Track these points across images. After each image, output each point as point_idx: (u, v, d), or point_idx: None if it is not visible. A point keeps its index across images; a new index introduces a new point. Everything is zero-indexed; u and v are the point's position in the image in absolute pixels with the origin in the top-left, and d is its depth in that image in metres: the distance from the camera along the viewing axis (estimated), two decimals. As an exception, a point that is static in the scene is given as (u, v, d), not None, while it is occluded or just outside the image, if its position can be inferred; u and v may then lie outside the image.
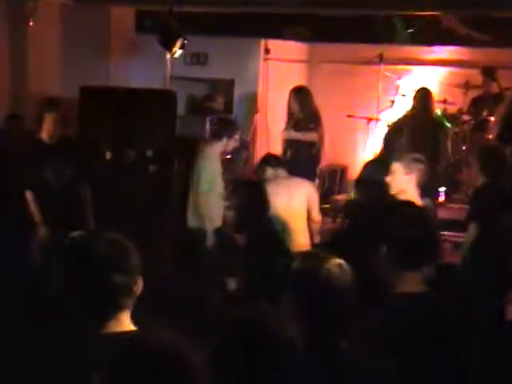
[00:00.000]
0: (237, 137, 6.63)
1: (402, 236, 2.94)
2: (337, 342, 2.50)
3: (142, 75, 9.01)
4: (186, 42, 8.12)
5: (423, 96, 7.57)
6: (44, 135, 6.32)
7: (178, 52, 8.17)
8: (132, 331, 2.31)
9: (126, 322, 2.34)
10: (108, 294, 2.28)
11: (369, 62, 9.12)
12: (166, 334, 2.18)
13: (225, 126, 6.70)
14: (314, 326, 2.49)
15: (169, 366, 2.16)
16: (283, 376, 2.12)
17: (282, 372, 2.11)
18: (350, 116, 9.27)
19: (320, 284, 2.50)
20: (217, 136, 6.61)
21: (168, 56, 8.17)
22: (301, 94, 7.73)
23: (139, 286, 2.37)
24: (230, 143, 6.57)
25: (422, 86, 7.86)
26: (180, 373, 2.17)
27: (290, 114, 7.73)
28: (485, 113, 8.59)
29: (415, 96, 7.67)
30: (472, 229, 5.74)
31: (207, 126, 8.46)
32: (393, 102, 9.01)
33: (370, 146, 9.19)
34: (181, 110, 9.01)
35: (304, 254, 2.72)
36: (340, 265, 2.56)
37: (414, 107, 7.62)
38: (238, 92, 9.49)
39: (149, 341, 2.23)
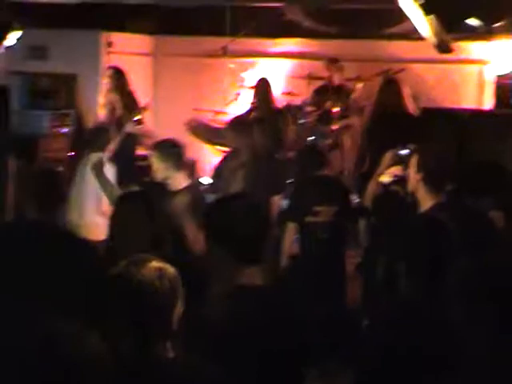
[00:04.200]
0: None
1: (231, 232, 2.82)
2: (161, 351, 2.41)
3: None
4: (20, 34, 7.76)
5: (262, 87, 7.59)
6: None
7: (11, 43, 7.80)
8: None
9: None
10: None
11: (214, 55, 9.06)
12: None
13: None
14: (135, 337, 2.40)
15: None
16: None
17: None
18: (196, 110, 9.16)
19: (130, 291, 2.42)
20: None
21: (1, 49, 7.79)
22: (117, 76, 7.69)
23: None
24: None
25: (260, 78, 7.88)
26: None
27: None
28: (328, 104, 8.69)
29: (255, 88, 7.68)
30: (288, 227, 5.78)
31: (46, 122, 8.14)
32: (238, 94, 8.97)
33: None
34: (20, 105, 8.64)
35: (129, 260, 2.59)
36: (159, 268, 2.47)
37: (254, 98, 7.63)
38: (80, 86, 9.18)
39: None
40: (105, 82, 7.89)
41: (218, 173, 6.22)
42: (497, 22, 5.17)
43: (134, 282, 2.45)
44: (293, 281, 5.62)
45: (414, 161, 4.08)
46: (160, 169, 5.07)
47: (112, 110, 7.64)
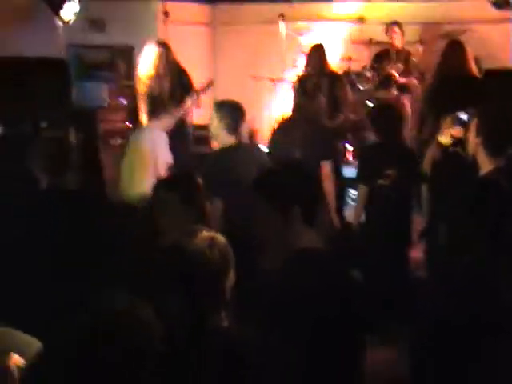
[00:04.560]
0: None
1: (291, 195, 2.81)
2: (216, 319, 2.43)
3: (36, 43, 8.61)
4: (78, 5, 7.80)
5: (315, 52, 7.46)
6: None
7: (69, 17, 7.83)
8: None
9: None
10: None
11: (271, 22, 8.95)
12: None
13: None
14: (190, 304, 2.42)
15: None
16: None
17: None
18: (254, 77, 9.10)
19: (183, 261, 2.46)
20: None
21: (59, 22, 7.83)
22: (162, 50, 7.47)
23: None
24: None
25: (315, 43, 7.75)
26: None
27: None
28: (389, 68, 8.52)
29: (309, 53, 7.56)
30: (361, 190, 5.70)
31: (105, 94, 8.17)
32: (296, 60, 8.85)
33: (277, 106, 9.05)
34: (78, 77, 8.69)
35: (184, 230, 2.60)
36: (210, 237, 2.49)
37: (308, 64, 7.51)
38: (138, 58, 9.17)
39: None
40: (144, 56, 7.65)
41: (274, 141, 6.15)
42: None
43: (186, 252, 2.46)
44: (359, 245, 5.59)
45: (473, 124, 3.98)
46: (214, 126, 5.10)
47: (154, 85, 7.43)
